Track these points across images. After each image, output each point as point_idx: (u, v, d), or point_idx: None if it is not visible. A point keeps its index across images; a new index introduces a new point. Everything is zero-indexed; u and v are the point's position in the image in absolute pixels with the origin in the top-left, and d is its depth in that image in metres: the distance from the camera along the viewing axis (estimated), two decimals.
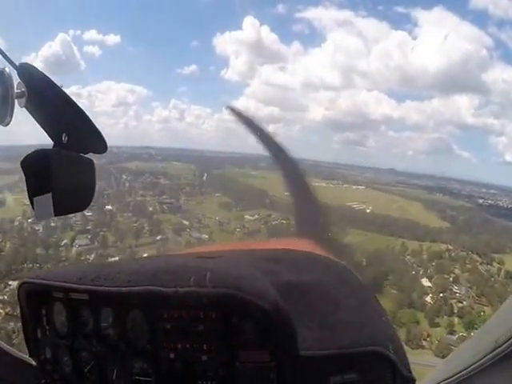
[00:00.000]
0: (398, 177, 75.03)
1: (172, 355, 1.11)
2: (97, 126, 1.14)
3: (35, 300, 1.36)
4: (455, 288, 36.85)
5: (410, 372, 1.12)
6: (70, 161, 1.11)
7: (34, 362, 1.45)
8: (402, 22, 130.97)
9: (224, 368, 1.07)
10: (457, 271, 38.87)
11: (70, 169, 1.12)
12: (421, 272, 39.97)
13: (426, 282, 37.98)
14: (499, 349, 0.60)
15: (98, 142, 1.17)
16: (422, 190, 67.60)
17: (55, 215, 1.06)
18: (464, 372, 0.82)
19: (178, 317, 1.11)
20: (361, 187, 69.93)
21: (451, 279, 37.89)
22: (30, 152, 1.07)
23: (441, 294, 36.20)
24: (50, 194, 1.02)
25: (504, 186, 70.61)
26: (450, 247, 43.39)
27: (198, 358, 1.09)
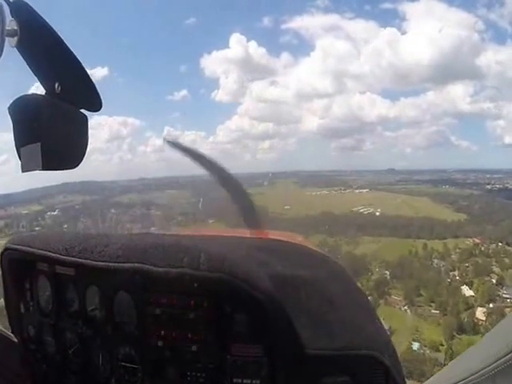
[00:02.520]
0: (398, 175, 71.70)
1: (160, 343, 1.04)
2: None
3: (19, 270, 1.29)
4: (504, 292, 30.45)
5: (404, 380, 1.05)
6: (61, 111, 1.02)
7: (16, 339, 1.36)
8: (390, 19, 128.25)
9: (214, 360, 1.01)
10: (496, 269, 32.49)
11: (62, 120, 1.02)
12: (457, 277, 33.46)
13: (467, 291, 31.47)
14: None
15: (92, 98, 1.06)
16: (425, 185, 64.20)
17: (43, 168, 0.97)
18: (472, 378, 0.73)
19: (168, 302, 1.03)
20: (364, 190, 66.57)
21: (494, 281, 31.49)
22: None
23: (491, 305, 29.61)
24: (38, 144, 0.95)
25: (507, 168, 66.63)
26: (477, 241, 37.68)
27: (188, 348, 1.02)
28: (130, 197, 57.72)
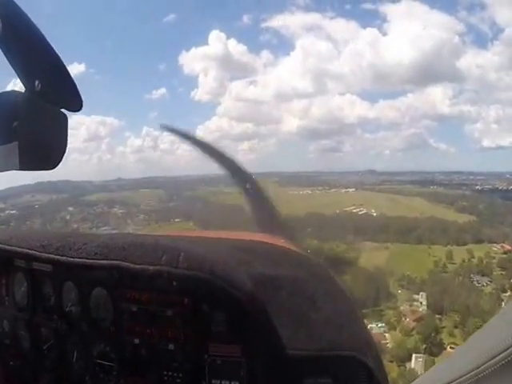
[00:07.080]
0: (380, 176, 65.59)
1: (137, 340, 0.98)
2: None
3: None
4: None
5: (387, 381, 1.02)
6: (41, 110, 0.94)
7: None
8: (371, 19, 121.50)
9: (191, 359, 0.95)
10: None
11: (41, 119, 0.95)
12: None
13: None
14: (509, 350, 0.61)
15: (73, 98, 0.99)
16: (411, 186, 57.94)
17: (20, 168, 0.91)
18: (469, 375, 0.75)
19: (146, 299, 0.97)
20: (350, 190, 57.78)
21: None
22: None
23: None
24: (16, 143, 0.89)
25: (487, 171, 63.40)
26: (507, 247, 29.00)
27: (165, 346, 0.96)
28: (98, 196, 51.55)
